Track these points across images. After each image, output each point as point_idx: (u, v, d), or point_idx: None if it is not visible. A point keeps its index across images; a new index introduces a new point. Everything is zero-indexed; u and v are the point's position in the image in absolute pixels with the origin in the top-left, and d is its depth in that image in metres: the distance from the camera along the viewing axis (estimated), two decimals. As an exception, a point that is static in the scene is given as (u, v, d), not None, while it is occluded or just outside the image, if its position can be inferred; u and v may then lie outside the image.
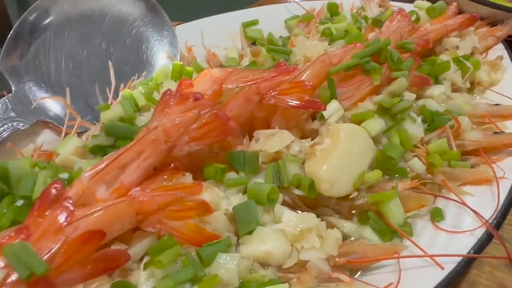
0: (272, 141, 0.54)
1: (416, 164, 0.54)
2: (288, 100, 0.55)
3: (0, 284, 0.33)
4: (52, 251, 0.35)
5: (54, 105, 0.61)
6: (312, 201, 0.51)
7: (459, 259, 0.42)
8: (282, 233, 0.45)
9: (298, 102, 0.55)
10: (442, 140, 0.56)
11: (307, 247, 0.44)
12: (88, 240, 0.37)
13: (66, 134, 0.58)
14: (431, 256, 0.43)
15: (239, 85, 0.56)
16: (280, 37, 0.82)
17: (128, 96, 0.58)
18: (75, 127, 0.56)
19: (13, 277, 0.33)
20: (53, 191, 0.38)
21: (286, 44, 0.78)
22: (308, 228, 0.44)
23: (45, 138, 0.60)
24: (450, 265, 0.42)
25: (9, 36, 0.59)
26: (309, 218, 0.45)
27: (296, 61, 0.70)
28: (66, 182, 0.44)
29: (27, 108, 0.58)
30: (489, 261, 0.50)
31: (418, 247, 0.44)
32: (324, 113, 0.57)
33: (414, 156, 0.56)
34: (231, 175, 0.50)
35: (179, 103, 0.50)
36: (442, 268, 0.42)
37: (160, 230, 0.42)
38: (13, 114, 0.56)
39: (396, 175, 0.53)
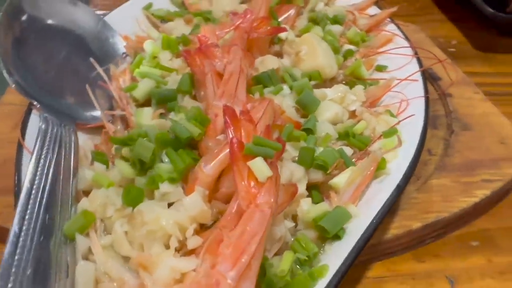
0: (265, 63, 0.72)
1: (347, 47, 0.81)
2: (264, 31, 0.74)
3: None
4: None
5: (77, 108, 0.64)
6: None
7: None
8: (333, 101, 0.65)
9: (268, 31, 0.75)
10: (352, 28, 0.84)
11: (349, 102, 0.66)
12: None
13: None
14: (403, 79, 0.70)
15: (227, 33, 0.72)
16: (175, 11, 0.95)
17: (144, 71, 0.66)
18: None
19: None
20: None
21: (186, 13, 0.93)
22: (345, 92, 0.66)
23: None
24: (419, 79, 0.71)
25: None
26: (340, 87, 0.67)
27: (220, 17, 0.86)
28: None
29: (62, 115, 0.60)
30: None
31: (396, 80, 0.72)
32: (281, 36, 0.78)
33: (342, 44, 0.83)
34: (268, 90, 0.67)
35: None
36: (417, 80, 0.70)
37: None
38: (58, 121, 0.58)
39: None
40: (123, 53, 0.78)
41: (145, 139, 0.51)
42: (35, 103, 0.60)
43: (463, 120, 0.77)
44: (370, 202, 0.50)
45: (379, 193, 0.51)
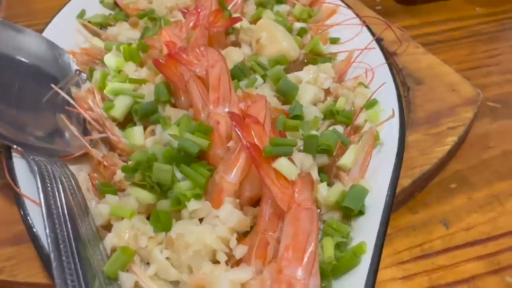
0: (229, 56, 0.73)
1: (299, 25, 0.84)
2: (221, 24, 0.74)
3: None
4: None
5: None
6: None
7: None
8: (308, 83, 0.68)
9: (226, 23, 0.75)
10: (297, 5, 0.86)
11: (322, 81, 0.69)
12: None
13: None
14: (363, 49, 0.75)
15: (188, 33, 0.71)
16: (110, 14, 0.91)
17: (117, 88, 0.64)
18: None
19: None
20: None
21: (123, 15, 0.89)
22: (316, 73, 0.69)
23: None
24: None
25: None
26: (311, 68, 0.70)
27: (163, 15, 0.84)
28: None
29: (43, 152, 0.57)
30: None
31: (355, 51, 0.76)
32: (236, 25, 0.78)
33: (292, 23, 0.85)
34: (242, 83, 0.68)
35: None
36: (374, 48, 0.75)
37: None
38: (46, 160, 0.55)
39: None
40: (76, 70, 0.74)
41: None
42: (14, 146, 0.56)
43: (414, 75, 0.83)
44: (376, 173, 0.55)
45: (381, 163, 0.55)
